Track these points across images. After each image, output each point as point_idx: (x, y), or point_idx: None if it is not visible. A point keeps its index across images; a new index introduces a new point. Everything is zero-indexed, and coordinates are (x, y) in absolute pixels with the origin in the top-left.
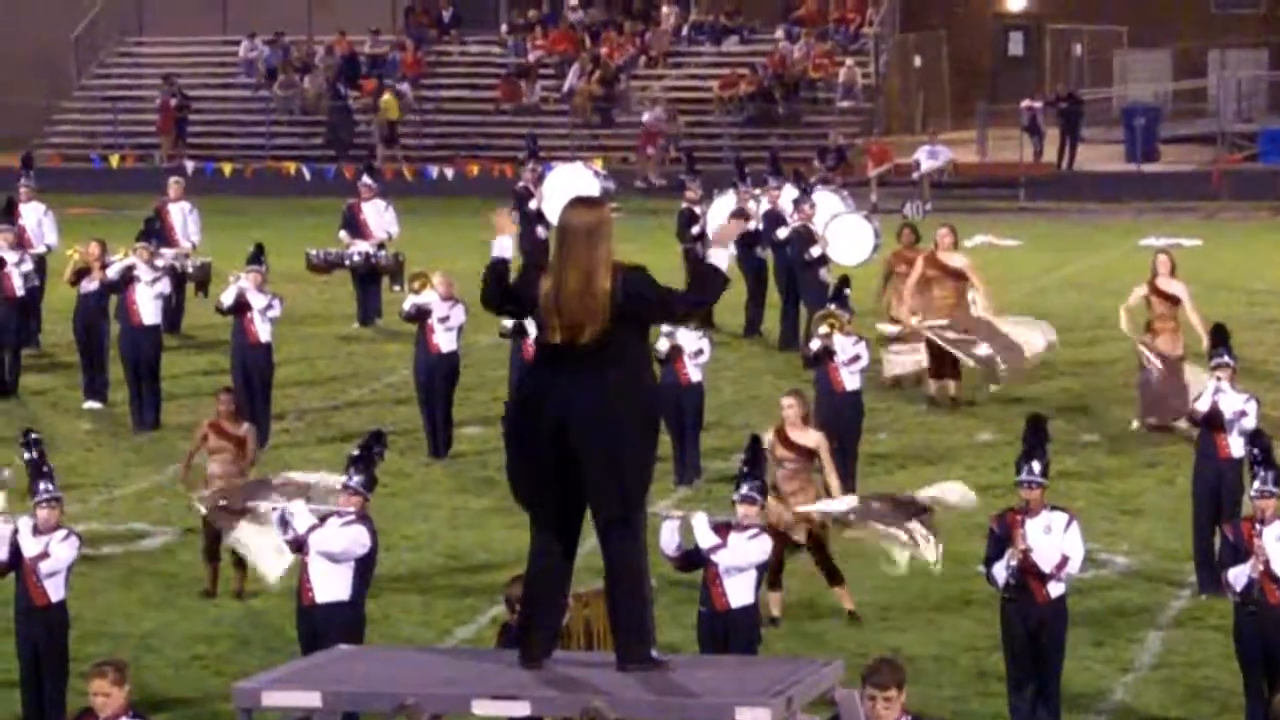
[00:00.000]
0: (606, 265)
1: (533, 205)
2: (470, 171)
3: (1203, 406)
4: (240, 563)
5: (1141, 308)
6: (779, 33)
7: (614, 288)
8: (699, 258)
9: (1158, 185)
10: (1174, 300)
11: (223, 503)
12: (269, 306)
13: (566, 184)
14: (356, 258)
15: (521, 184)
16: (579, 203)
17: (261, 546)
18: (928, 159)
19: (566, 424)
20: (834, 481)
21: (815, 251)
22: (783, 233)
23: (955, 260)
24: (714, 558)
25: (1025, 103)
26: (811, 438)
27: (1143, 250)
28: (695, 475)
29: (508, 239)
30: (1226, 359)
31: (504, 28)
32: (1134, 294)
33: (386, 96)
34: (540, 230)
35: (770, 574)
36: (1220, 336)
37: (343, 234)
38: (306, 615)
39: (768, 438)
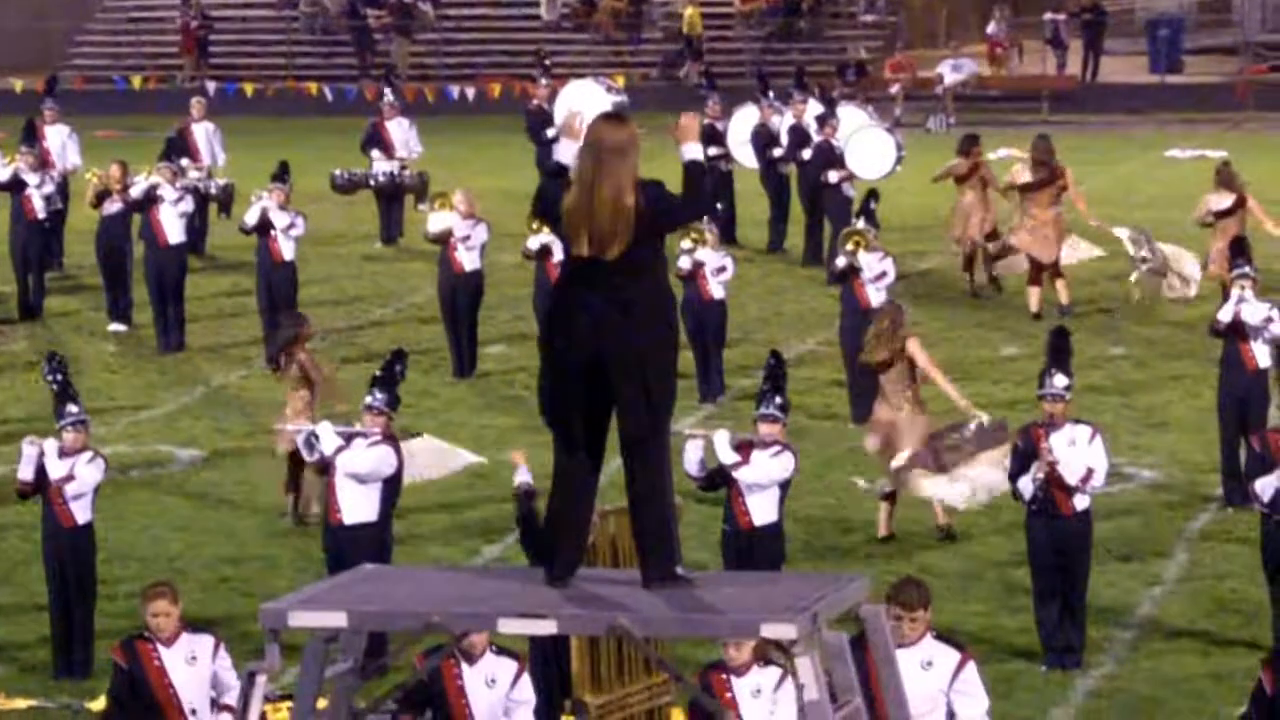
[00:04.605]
0: (634, 181)
1: (550, 133)
2: (492, 91)
3: (1225, 316)
4: (298, 486)
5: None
6: None
7: (638, 203)
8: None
9: (1182, 97)
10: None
11: None
12: (291, 225)
13: (581, 101)
14: (381, 178)
15: (535, 103)
16: (609, 119)
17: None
18: (951, 72)
19: (596, 340)
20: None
21: (833, 176)
22: (807, 152)
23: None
24: (736, 475)
25: (1048, 15)
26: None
27: (1167, 162)
28: (719, 392)
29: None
30: (1247, 269)
31: None
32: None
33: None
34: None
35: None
36: (1240, 248)
37: (374, 152)
38: (333, 536)
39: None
